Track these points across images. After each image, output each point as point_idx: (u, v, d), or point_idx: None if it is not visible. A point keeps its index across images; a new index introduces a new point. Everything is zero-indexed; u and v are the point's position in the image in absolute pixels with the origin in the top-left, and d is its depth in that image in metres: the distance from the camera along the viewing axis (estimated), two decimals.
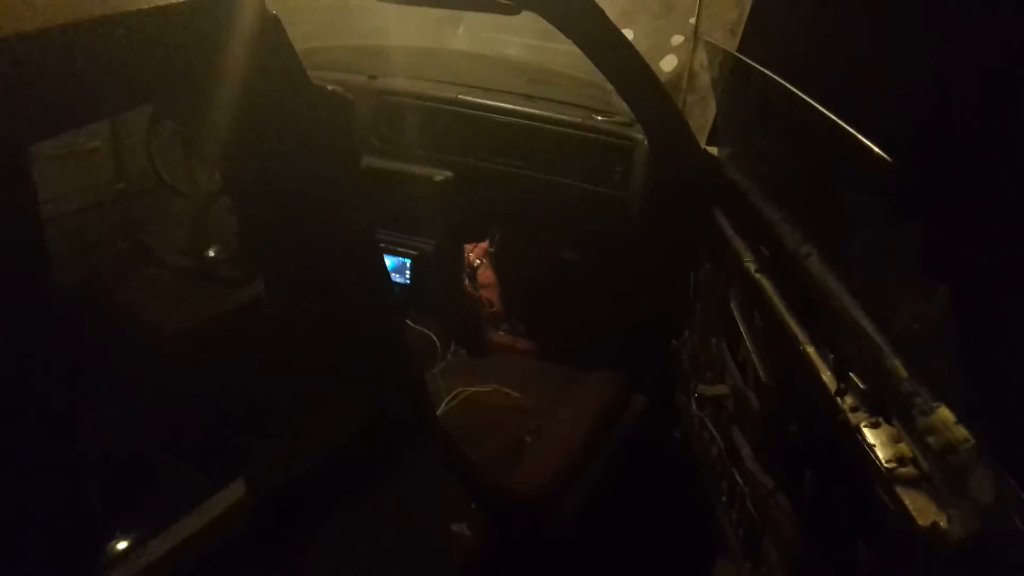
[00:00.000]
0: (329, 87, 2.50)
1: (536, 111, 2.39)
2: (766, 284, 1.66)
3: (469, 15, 2.82)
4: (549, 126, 2.37)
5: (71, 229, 3.76)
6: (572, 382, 2.48)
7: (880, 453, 1.13)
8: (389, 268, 2.55)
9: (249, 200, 1.09)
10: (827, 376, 1.33)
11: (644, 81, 1.91)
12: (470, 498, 1.71)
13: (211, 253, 2.74)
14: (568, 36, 1.76)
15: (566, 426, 2.27)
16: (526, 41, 2.73)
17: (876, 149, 1.12)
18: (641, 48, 2.51)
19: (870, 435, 1.16)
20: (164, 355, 1.99)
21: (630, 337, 2.47)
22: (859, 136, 1.16)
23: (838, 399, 1.28)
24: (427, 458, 1.29)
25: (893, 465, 1.10)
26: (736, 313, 1.85)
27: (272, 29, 0.95)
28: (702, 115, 2.31)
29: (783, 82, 1.44)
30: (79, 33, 0.80)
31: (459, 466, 1.61)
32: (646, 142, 2.22)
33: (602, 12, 1.73)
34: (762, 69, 1.54)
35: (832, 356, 1.34)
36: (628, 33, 2.49)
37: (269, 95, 0.96)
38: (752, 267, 1.75)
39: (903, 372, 1.16)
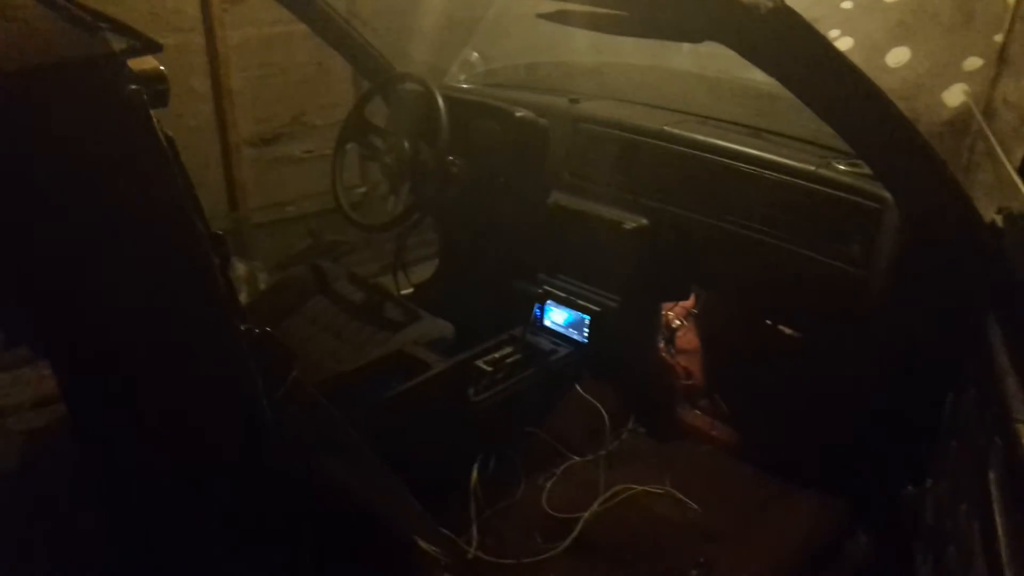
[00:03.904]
0: (518, 113, 2.23)
1: (756, 152, 1.87)
2: None
3: None
4: (770, 172, 1.84)
5: (312, 230, 3.92)
6: (773, 500, 1.94)
7: None
8: (565, 323, 2.20)
9: None
10: None
11: (882, 125, 1.34)
12: None
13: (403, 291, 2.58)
14: (767, 70, 1.26)
15: (749, 565, 1.76)
16: None
17: None
18: (919, 72, 1.88)
19: None
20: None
21: (858, 452, 1.87)
22: None
23: None
24: None
25: None
26: (992, 489, 1.23)
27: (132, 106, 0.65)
28: (995, 172, 1.64)
29: None
30: None
31: None
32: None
33: (819, 36, 1.21)
34: None
35: None
36: (901, 53, 1.86)
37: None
38: None
39: None
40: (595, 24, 1.39)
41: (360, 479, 1.06)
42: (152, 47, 0.69)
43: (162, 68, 0.72)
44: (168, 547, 0.82)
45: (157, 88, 0.69)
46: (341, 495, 1.03)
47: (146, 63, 0.69)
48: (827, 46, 1.23)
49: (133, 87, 0.65)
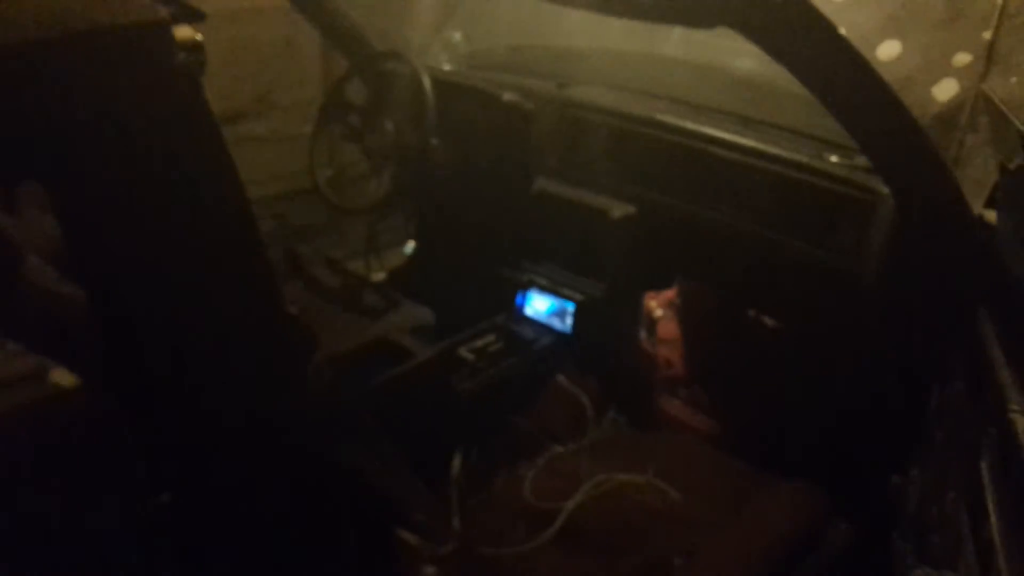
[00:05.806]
0: (505, 96, 2.19)
1: (747, 142, 1.87)
2: None
3: None
4: (762, 162, 1.84)
5: (277, 212, 3.82)
6: (754, 489, 1.95)
7: None
8: (548, 311, 2.18)
9: None
10: None
11: (885, 116, 1.34)
12: None
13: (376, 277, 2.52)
14: (777, 57, 1.25)
15: (732, 552, 1.77)
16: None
17: None
18: (909, 67, 1.89)
19: None
20: None
21: (841, 442, 1.89)
22: None
23: None
24: None
25: None
26: (985, 476, 1.25)
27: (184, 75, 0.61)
28: (985, 165, 1.66)
29: None
30: None
31: None
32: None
33: (829, 24, 1.21)
34: None
35: None
36: (893, 46, 1.87)
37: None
38: (1020, 421, 1.15)
39: None
40: (603, 7, 1.36)
41: (372, 460, 1.04)
42: (194, 16, 0.66)
43: (199, 37, 0.69)
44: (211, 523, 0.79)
45: (195, 58, 0.67)
46: (350, 475, 1.00)
47: (183, 32, 0.66)
48: (836, 35, 1.23)
49: (183, 55, 0.62)
